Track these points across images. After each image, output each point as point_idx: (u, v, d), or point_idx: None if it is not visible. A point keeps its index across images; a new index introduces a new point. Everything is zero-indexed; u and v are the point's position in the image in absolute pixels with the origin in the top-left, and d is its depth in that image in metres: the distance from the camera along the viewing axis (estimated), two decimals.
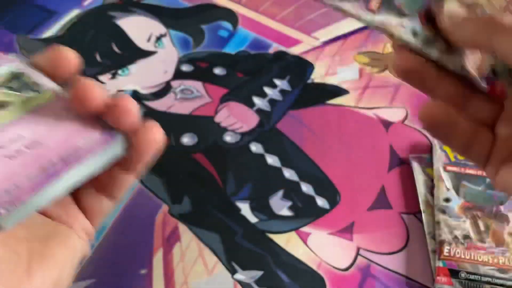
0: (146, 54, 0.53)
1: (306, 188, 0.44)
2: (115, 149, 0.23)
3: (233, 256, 0.40)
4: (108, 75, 0.52)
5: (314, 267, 0.40)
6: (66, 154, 0.23)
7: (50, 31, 0.55)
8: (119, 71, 0.52)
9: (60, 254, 0.23)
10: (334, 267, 0.40)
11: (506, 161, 0.21)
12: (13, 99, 0.24)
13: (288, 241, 0.41)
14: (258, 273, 0.39)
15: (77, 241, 0.24)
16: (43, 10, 0.57)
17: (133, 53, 0.53)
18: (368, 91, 0.50)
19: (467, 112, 0.22)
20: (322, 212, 0.42)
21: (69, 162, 0.22)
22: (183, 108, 0.49)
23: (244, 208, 0.42)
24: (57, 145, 0.23)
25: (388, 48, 0.54)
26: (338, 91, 0.50)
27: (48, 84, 0.25)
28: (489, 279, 0.37)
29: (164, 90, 0.51)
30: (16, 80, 0.25)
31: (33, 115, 0.24)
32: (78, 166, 0.22)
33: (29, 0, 0.58)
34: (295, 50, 0.54)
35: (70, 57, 0.24)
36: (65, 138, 0.23)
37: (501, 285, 0.37)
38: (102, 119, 0.23)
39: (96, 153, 0.22)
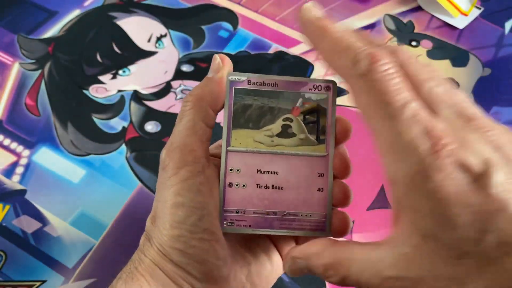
0: (147, 54, 0.53)
1: None
2: (321, 234, 0.29)
3: None
4: (109, 75, 0.52)
5: None
6: (289, 215, 0.29)
7: (51, 31, 0.55)
8: (120, 71, 0.52)
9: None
10: None
11: None
12: (297, 132, 0.29)
13: None
14: None
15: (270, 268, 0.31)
16: (44, 10, 0.57)
17: (133, 53, 0.53)
18: None
19: None
20: None
21: (286, 223, 0.29)
22: None
23: None
24: (291, 201, 0.28)
25: None
26: (337, 91, 0.50)
27: (330, 138, 0.29)
28: None
29: (164, 90, 0.51)
30: (314, 114, 0.29)
31: (295, 159, 0.29)
32: (289, 231, 0.29)
33: (30, 0, 0.58)
34: (295, 50, 0.54)
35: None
36: (298, 200, 0.29)
37: None
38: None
39: (306, 232, 0.29)
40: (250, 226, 0.28)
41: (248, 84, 0.29)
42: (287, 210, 0.29)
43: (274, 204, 0.28)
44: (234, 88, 0.29)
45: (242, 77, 0.29)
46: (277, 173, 0.28)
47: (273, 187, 0.28)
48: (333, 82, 0.29)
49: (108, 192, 0.44)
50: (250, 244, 0.31)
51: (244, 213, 0.28)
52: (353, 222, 0.42)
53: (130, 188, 0.44)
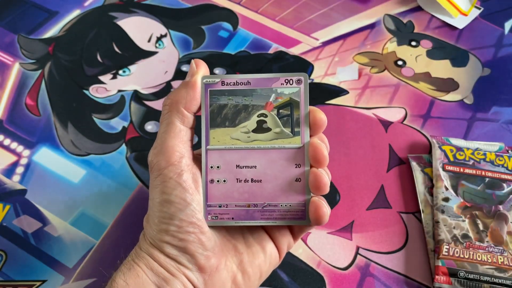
0: (147, 54, 0.53)
1: None
2: (301, 222, 0.30)
3: None
4: (109, 75, 0.51)
5: (313, 266, 0.40)
6: (270, 206, 0.30)
7: (51, 31, 0.55)
8: (120, 71, 0.52)
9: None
10: (333, 266, 0.40)
11: None
12: (272, 127, 0.30)
13: None
14: None
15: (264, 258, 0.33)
16: (44, 10, 0.57)
17: (133, 53, 0.53)
18: (368, 91, 0.50)
19: None
20: None
21: (267, 214, 0.30)
22: None
23: None
24: (270, 192, 0.30)
25: (388, 48, 0.54)
26: (337, 91, 0.50)
27: (304, 129, 0.30)
28: (488, 278, 0.37)
29: (164, 90, 0.51)
30: (287, 108, 0.30)
31: (272, 152, 0.30)
32: (270, 221, 0.30)
33: (30, 0, 0.58)
34: (294, 51, 0.54)
35: (323, 122, 0.30)
36: (278, 192, 0.30)
37: (500, 284, 0.37)
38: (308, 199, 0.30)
39: (287, 221, 0.30)
40: (232, 218, 0.30)
41: (222, 85, 0.30)
42: (267, 201, 0.30)
43: (254, 197, 0.30)
44: (209, 90, 0.30)
45: (216, 79, 0.30)
46: (255, 167, 0.30)
47: (252, 180, 0.30)
48: (304, 75, 0.30)
49: (108, 192, 0.44)
50: (244, 234, 0.32)
51: (226, 207, 0.30)
52: (352, 222, 0.42)
53: (130, 188, 0.44)
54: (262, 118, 0.30)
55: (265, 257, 0.33)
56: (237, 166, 0.30)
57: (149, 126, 0.48)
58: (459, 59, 0.53)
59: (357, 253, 0.40)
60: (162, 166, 0.29)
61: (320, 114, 0.30)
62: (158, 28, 0.56)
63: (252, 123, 0.30)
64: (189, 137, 0.30)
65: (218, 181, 0.30)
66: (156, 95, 0.50)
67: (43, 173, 0.45)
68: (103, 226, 0.42)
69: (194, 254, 0.29)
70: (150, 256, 0.29)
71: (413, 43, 0.55)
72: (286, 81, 0.30)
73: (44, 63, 0.53)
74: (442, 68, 0.52)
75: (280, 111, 0.30)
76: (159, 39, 0.55)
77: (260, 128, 0.30)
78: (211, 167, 0.30)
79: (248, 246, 0.32)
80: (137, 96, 0.50)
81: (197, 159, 0.31)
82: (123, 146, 0.47)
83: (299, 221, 0.30)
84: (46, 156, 0.46)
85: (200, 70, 0.31)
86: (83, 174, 0.45)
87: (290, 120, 0.30)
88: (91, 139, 0.47)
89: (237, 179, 0.30)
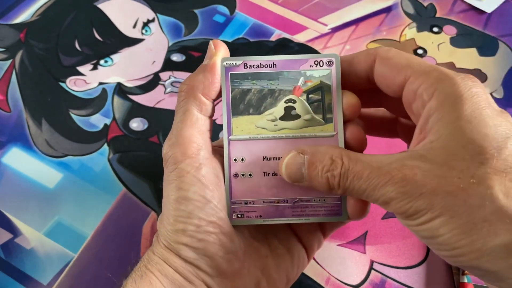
0: (132, 42, 0.53)
1: None
2: (338, 218, 0.31)
3: None
4: (89, 66, 0.51)
5: (322, 283, 0.40)
6: (301, 202, 0.30)
7: (23, 16, 0.55)
8: (101, 61, 0.52)
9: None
10: (344, 283, 0.40)
11: None
12: (301, 113, 0.30)
13: None
14: None
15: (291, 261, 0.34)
16: None
17: (117, 41, 0.53)
18: None
19: None
20: None
21: (299, 210, 0.30)
22: (174, 103, 0.49)
23: None
24: (301, 187, 0.30)
25: (406, 35, 0.54)
26: None
27: (337, 115, 0.30)
28: None
29: (152, 83, 0.51)
30: (318, 92, 0.30)
31: (302, 141, 0.30)
32: (303, 219, 0.30)
33: None
34: (300, 38, 0.54)
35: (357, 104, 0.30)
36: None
37: None
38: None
39: (321, 217, 0.31)
40: (260, 216, 0.30)
41: (244, 68, 0.30)
42: (299, 196, 0.30)
43: (284, 192, 0.30)
44: (230, 73, 0.30)
45: (238, 61, 0.30)
46: None
47: None
48: (336, 56, 0.30)
49: (88, 199, 0.44)
50: (267, 236, 0.33)
51: (253, 204, 0.30)
52: (366, 232, 0.42)
53: (113, 194, 0.44)
54: (290, 104, 0.30)
55: (292, 260, 0.33)
56: (264, 158, 0.30)
57: (135, 124, 0.48)
58: (487, 47, 0.53)
59: (371, 268, 0.40)
60: (178, 159, 0.29)
61: (353, 98, 0.30)
62: (144, 12, 0.56)
63: (279, 109, 0.30)
64: (208, 127, 0.30)
65: (243, 175, 0.30)
66: (143, 88, 0.50)
67: (14, 177, 0.45)
68: (82, 237, 0.42)
69: (214, 257, 0.29)
70: (164, 261, 0.29)
71: (435, 29, 0.55)
72: (316, 62, 0.30)
73: (14, 52, 0.52)
74: (468, 58, 0.52)
75: (310, 96, 0.30)
76: (145, 24, 0.55)
77: (288, 115, 0.30)
78: (235, 159, 0.30)
79: (272, 248, 0.32)
80: (120, 90, 0.50)
81: (216, 152, 0.31)
82: (105, 147, 0.47)
83: (335, 216, 0.30)
84: (17, 158, 0.46)
85: (219, 52, 0.30)
86: (59, 178, 0.45)
87: (321, 105, 0.30)
88: (68, 138, 0.47)
89: (264, 172, 0.30)
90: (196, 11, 0.56)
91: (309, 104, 0.30)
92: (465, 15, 0.56)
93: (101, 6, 0.56)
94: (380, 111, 0.35)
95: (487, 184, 0.23)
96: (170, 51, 0.53)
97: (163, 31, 0.54)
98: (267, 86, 0.30)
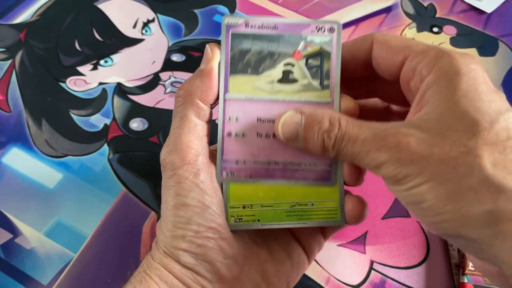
0: (132, 42, 0.53)
1: None
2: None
3: None
4: (89, 66, 0.51)
5: (322, 283, 0.40)
6: (292, 165, 0.30)
7: (23, 16, 0.55)
8: (101, 61, 0.52)
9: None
10: (344, 283, 0.40)
11: None
12: (299, 77, 0.30)
13: None
14: None
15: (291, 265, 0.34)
16: None
17: (117, 41, 0.53)
18: None
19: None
20: None
21: (289, 173, 0.30)
22: (174, 103, 0.49)
23: None
24: (293, 150, 0.30)
25: (406, 35, 0.54)
26: None
27: (334, 83, 0.30)
28: None
29: (152, 83, 0.51)
30: (317, 58, 0.30)
31: (296, 105, 0.30)
32: (292, 181, 0.30)
33: None
34: None
35: None
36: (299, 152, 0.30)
37: None
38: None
39: (309, 182, 0.30)
40: (250, 176, 0.30)
41: (246, 27, 0.30)
42: (290, 159, 0.30)
43: (276, 154, 0.30)
44: (231, 32, 0.30)
45: (240, 20, 0.30)
46: None
47: (274, 136, 0.30)
48: (338, 23, 0.30)
49: (88, 199, 0.44)
50: (267, 240, 0.33)
51: (244, 163, 0.30)
52: (366, 233, 0.42)
53: (113, 194, 0.44)
54: (288, 67, 0.30)
55: (292, 264, 0.33)
56: (259, 119, 0.30)
57: (135, 124, 0.48)
58: (487, 47, 0.53)
59: (371, 268, 0.40)
60: (177, 165, 0.29)
61: (351, 102, 0.30)
62: (144, 12, 0.56)
63: (277, 72, 0.30)
64: (206, 132, 0.31)
65: (236, 134, 0.30)
66: (143, 88, 0.50)
67: (14, 177, 0.45)
68: (82, 237, 0.42)
69: (214, 262, 0.29)
70: (163, 267, 0.29)
71: (435, 29, 0.55)
72: (318, 28, 0.30)
73: (14, 52, 0.52)
74: None
75: (309, 61, 0.30)
76: (145, 24, 0.55)
77: (286, 78, 0.30)
78: (229, 118, 0.30)
79: (272, 252, 0.33)
80: (120, 90, 0.50)
81: (214, 157, 0.31)
82: (105, 147, 0.47)
83: (324, 182, 0.30)
84: (17, 158, 0.46)
85: (216, 56, 0.30)
86: (59, 178, 0.45)
87: (319, 71, 0.30)
88: (68, 138, 0.47)
89: (257, 133, 0.30)
90: (196, 11, 0.56)
91: (307, 69, 0.30)
92: (465, 15, 0.56)
93: (101, 6, 0.56)
94: (371, 102, 0.35)
95: (476, 154, 0.23)
96: (170, 51, 0.53)
97: (163, 31, 0.54)
98: (267, 47, 0.30)
